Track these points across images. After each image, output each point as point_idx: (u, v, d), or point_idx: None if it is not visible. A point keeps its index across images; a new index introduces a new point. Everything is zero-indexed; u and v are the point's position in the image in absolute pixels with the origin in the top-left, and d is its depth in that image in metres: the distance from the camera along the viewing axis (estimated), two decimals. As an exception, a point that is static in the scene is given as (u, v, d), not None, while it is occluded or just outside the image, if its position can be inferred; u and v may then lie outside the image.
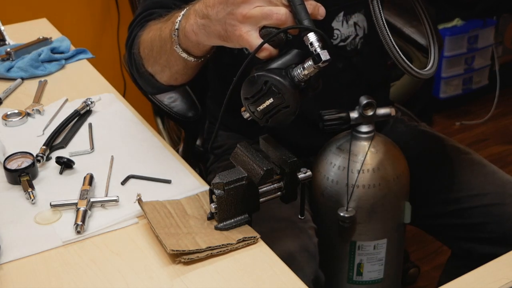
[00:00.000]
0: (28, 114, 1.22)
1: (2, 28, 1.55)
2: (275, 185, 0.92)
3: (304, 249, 1.06)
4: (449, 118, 2.84)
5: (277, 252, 0.89)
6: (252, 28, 0.85)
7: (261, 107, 0.85)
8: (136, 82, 1.20)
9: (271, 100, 0.83)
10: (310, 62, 0.81)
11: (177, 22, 0.98)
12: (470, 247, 1.22)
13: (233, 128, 1.35)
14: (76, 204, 0.94)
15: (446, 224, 1.25)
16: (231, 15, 0.86)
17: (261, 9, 0.84)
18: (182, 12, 0.98)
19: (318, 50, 0.81)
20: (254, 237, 0.88)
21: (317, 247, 1.09)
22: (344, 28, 1.20)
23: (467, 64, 2.81)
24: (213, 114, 1.42)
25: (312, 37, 0.82)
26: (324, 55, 0.80)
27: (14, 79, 1.36)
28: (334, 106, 1.14)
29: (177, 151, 1.50)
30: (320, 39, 0.82)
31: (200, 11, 0.91)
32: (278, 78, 0.82)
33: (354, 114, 1.11)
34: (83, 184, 0.99)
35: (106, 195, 0.99)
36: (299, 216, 0.99)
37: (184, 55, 1.00)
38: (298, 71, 0.82)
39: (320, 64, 0.81)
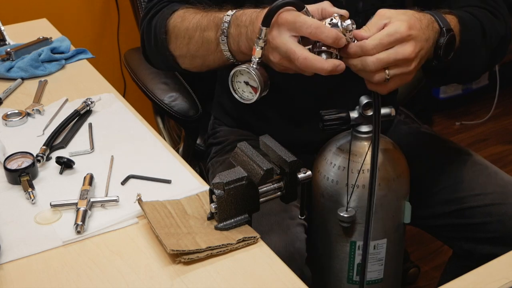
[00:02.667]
0: (28, 114, 1.22)
1: (2, 28, 1.55)
2: (275, 185, 0.92)
3: (290, 245, 1.06)
4: (449, 118, 2.84)
5: None
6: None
7: None
8: (145, 54, 1.23)
9: None
10: None
11: (224, 29, 1.00)
12: (471, 247, 1.22)
13: (236, 123, 1.35)
14: (76, 204, 0.94)
15: (447, 224, 1.25)
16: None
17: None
18: (227, 19, 1.00)
19: None
20: (254, 237, 0.88)
21: (305, 244, 1.09)
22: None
23: (467, 64, 2.80)
24: (220, 103, 1.41)
25: None
26: None
27: (14, 79, 1.36)
28: (344, 97, 1.13)
29: (177, 150, 1.50)
30: None
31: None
32: None
33: (354, 114, 1.11)
34: (83, 184, 0.99)
35: (106, 195, 0.99)
36: (299, 216, 0.99)
37: (230, 57, 1.02)
38: None
39: None
